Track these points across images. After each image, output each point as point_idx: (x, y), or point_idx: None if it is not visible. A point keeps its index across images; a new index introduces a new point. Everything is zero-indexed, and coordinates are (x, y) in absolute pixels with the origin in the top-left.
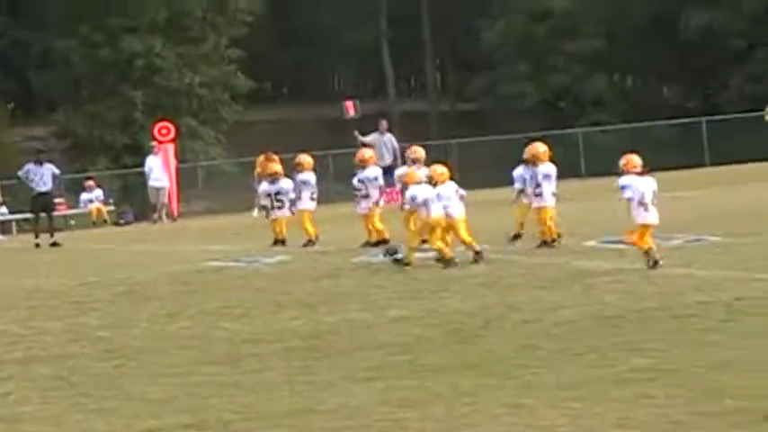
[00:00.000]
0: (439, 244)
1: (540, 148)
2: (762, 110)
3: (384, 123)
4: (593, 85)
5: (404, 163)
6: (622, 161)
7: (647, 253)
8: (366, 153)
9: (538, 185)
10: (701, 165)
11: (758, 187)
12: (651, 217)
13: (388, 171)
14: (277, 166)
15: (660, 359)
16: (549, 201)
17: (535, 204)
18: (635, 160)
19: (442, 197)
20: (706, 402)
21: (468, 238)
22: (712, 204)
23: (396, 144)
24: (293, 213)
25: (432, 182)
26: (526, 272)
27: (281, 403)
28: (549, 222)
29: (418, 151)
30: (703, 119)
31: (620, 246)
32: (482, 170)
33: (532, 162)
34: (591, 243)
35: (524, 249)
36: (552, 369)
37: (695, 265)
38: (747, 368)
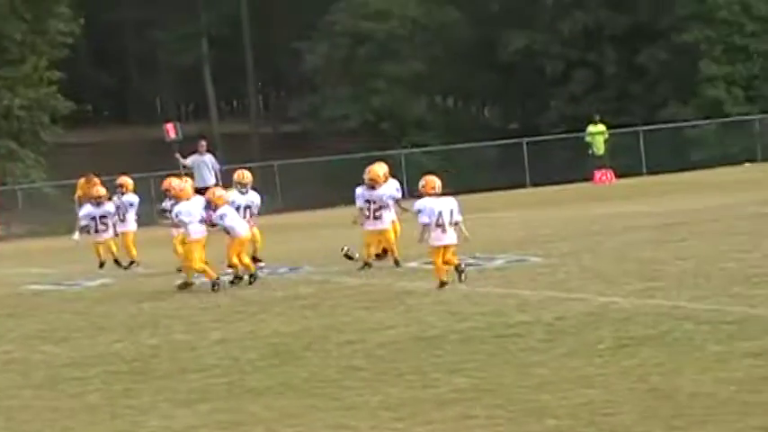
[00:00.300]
0: (235, 261)
1: (380, 170)
2: (582, 131)
3: (203, 144)
4: (414, 106)
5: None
6: (421, 183)
7: (442, 277)
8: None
9: (378, 208)
10: (521, 185)
11: (577, 208)
12: (448, 238)
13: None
14: (101, 189)
15: (482, 379)
16: (386, 224)
17: (372, 227)
18: (433, 182)
19: (224, 216)
20: (527, 422)
21: (236, 261)
22: (533, 225)
23: (217, 165)
24: (117, 235)
25: (212, 205)
26: (349, 293)
27: (103, 427)
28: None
29: (245, 176)
30: (524, 140)
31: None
32: (304, 191)
33: (370, 185)
34: (413, 264)
35: (347, 270)
36: (375, 390)
37: (517, 285)
38: (567, 387)
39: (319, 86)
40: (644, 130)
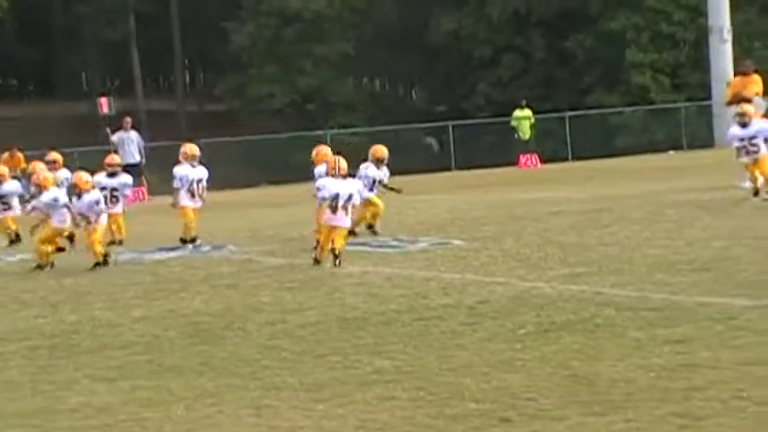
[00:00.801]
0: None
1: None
2: (508, 115)
3: (128, 120)
4: (341, 88)
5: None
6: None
7: (319, 255)
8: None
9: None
10: (447, 168)
11: (502, 192)
12: (338, 220)
13: (134, 168)
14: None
15: (403, 362)
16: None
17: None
18: (338, 162)
19: (83, 204)
20: (448, 405)
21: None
22: (458, 208)
23: (142, 142)
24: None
25: (76, 190)
26: (272, 273)
27: (23, 402)
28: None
29: (194, 149)
30: (450, 123)
31: (367, 248)
32: (230, 170)
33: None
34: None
35: (270, 250)
36: (295, 370)
37: (440, 268)
38: (488, 371)
39: (246, 66)
40: (570, 116)
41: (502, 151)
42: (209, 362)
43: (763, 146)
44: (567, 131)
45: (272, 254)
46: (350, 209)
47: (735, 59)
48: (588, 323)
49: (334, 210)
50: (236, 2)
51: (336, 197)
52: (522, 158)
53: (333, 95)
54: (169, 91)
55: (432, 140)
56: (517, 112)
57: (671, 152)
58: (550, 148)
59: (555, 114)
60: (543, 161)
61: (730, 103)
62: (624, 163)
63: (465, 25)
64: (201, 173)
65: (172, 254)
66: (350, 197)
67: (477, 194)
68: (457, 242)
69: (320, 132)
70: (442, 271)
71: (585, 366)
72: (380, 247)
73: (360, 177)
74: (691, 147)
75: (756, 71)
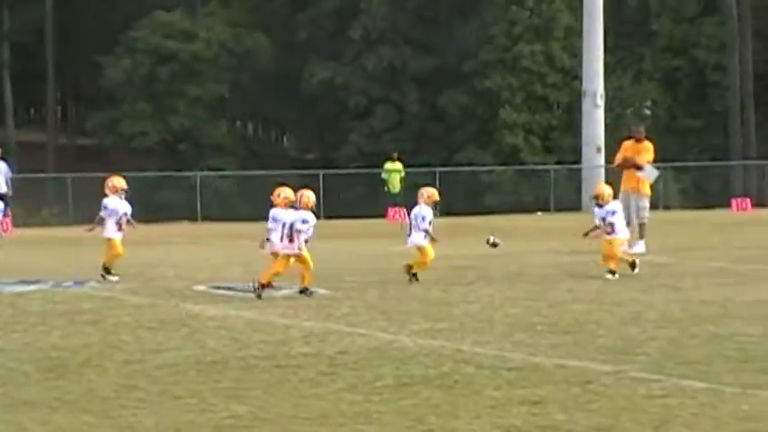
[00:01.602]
0: None
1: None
2: (380, 167)
3: None
4: (214, 130)
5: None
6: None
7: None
8: None
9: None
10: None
11: (369, 243)
12: (289, 248)
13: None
14: None
15: (260, 408)
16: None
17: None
18: (282, 191)
19: None
20: None
21: None
22: (323, 257)
23: (9, 173)
24: None
25: None
26: (133, 312)
27: None
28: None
29: (120, 181)
30: (321, 172)
31: (229, 292)
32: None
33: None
34: (200, 287)
35: (132, 288)
36: (152, 411)
37: (302, 316)
38: (344, 422)
39: (119, 102)
40: (440, 172)
41: (371, 203)
42: (64, 397)
43: (618, 226)
44: (437, 186)
45: (135, 292)
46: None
47: (606, 125)
48: (447, 379)
49: (283, 238)
50: (112, 37)
51: (283, 226)
52: (391, 211)
53: (205, 137)
54: (41, 122)
55: None
56: (388, 165)
57: (539, 213)
58: None
59: (426, 169)
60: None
61: (620, 166)
62: (492, 221)
63: (341, 74)
64: (127, 206)
65: (32, 287)
66: (291, 225)
67: (343, 244)
68: (320, 291)
69: (190, 174)
70: (304, 319)
71: (442, 422)
72: (243, 291)
73: (416, 219)
74: (558, 209)
75: (648, 138)
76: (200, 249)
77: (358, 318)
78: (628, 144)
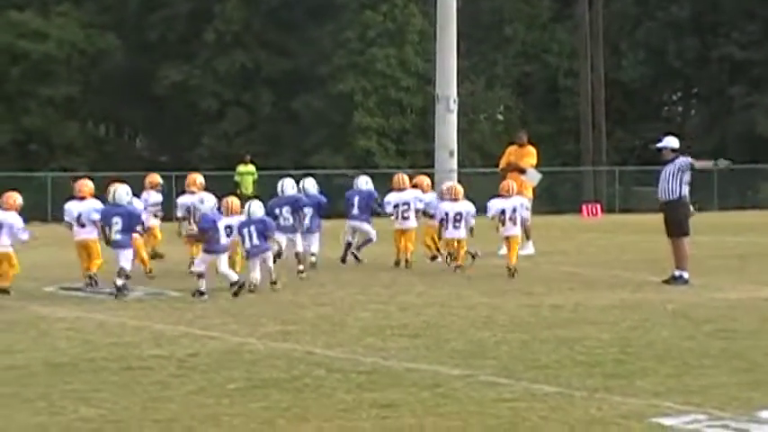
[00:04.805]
0: None
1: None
2: (233, 169)
3: None
4: (65, 130)
5: None
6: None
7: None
8: None
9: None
10: (168, 219)
11: None
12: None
13: None
14: None
15: (109, 410)
16: None
17: None
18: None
19: None
20: None
21: None
22: (175, 259)
23: None
24: None
25: None
26: None
27: None
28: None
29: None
30: (174, 174)
31: (80, 294)
32: None
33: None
34: (50, 289)
35: None
36: (1, 414)
37: (153, 318)
38: (194, 425)
39: None
40: (294, 175)
41: None
42: None
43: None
44: None
45: None
46: None
47: (460, 130)
48: (297, 382)
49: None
50: None
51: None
52: None
53: (56, 137)
54: None
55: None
56: (241, 168)
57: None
58: None
59: (278, 172)
60: None
61: (504, 170)
62: (344, 225)
63: (193, 76)
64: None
65: None
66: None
67: (195, 247)
68: (172, 293)
69: (40, 174)
70: (156, 321)
71: (291, 426)
72: (94, 293)
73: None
74: None
75: (531, 142)
76: (50, 250)
77: (209, 321)
78: (512, 149)
